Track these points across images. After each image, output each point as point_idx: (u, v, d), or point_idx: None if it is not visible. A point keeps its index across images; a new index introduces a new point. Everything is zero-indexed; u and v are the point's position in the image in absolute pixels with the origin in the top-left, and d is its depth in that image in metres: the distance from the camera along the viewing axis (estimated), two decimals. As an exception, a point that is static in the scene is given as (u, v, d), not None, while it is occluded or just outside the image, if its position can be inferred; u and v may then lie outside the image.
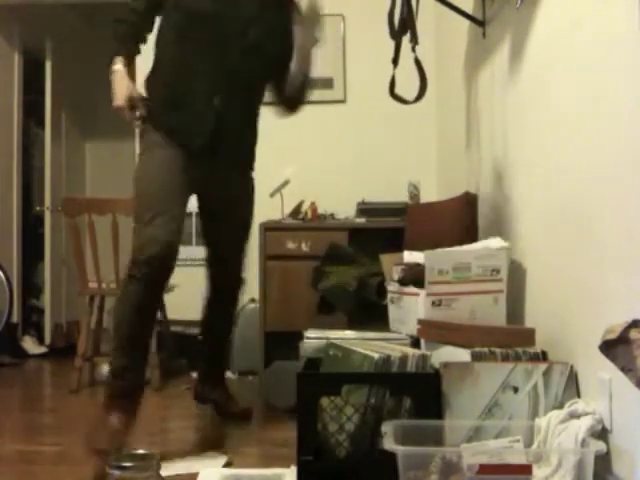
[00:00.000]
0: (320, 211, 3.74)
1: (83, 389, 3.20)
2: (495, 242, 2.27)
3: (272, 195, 3.68)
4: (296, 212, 3.68)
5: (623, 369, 1.27)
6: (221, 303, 2.64)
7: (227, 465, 2.02)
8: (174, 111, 2.32)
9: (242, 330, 3.58)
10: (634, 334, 1.24)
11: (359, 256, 3.01)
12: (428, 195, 3.77)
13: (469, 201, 2.86)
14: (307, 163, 3.98)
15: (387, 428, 1.51)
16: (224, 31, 2.31)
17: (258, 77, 2.45)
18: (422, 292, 2.18)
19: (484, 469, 1.38)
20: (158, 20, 2.42)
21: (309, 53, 2.44)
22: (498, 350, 1.79)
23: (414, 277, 2.26)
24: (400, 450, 1.42)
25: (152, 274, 2.12)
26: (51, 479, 1.95)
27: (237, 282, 2.63)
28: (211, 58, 2.32)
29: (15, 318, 4.38)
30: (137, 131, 3.96)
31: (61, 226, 4.73)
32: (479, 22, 2.71)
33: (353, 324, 2.74)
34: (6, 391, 3.31)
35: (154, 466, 1.08)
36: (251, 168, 2.57)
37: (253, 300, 3.60)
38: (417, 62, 2.50)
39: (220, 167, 2.39)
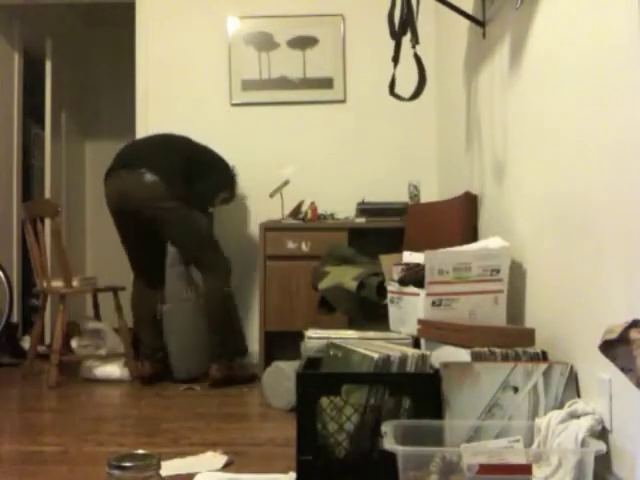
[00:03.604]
0: (320, 211, 3.74)
1: (83, 389, 3.21)
2: (495, 242, 2.27)
3: (272, 195, 3.68)
4: (296, 212, 3.68)
5: (623, 369, 1.27)
6: None
7: (227, 465, 2.01)
8: None
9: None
10: (634, 334, 1.24)
11: (359, 256, 3.01)
12: (428, 195, 3.77)
13: (469, 201, 2.86)
14: (307, 163, 3.99)
15: (387, 428, 1.51)
16: None
17: None
18: (422, 292, 2.18)
19: (484, 469, 1.38)
20: None
21: None
22: (498, 350, 1.80)
23: (414, 277, 2.26)
24: (400, 450, 1.42)
25: None
26: (51, 479, 1.95)
27: None
28: None
29: (15, 318, 4.38)
30: (137, 132, 3.98)
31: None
32: (479, 22, 2.71)
33: (353, 324, 2.75)
34: (6, 391, 3.30)
35: (154, 466, 1.07)
36: None
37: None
38: (416, 57, 2.47)
39: None
